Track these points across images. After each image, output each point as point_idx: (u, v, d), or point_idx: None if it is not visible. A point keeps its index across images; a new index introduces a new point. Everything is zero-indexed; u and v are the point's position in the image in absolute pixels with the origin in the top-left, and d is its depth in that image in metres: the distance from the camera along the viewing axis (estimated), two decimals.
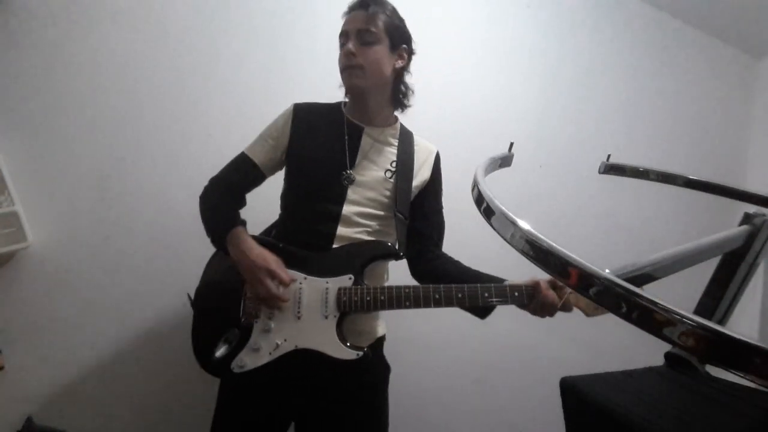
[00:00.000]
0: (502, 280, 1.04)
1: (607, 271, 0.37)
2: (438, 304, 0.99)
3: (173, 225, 1.47)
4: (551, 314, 1.00)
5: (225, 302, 1.04)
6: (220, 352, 0.99)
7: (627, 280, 0.36)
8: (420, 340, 1.63)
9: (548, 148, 2.01)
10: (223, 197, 1.11)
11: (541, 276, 0.99)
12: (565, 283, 0.39)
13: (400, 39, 1.12)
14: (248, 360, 0.98)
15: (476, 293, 0.99)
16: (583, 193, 2.05)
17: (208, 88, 1.55)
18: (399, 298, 1.00)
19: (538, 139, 1.98)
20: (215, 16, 1.57)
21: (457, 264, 1.16)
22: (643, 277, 0.48)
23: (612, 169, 1.16)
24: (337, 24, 1.70)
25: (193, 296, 1.10)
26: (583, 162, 1.76)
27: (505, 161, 0.91)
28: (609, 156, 1.17)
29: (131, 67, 1.47)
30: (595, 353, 1.74)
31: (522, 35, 2.03)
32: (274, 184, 1.17)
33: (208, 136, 1.53)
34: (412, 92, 1.18)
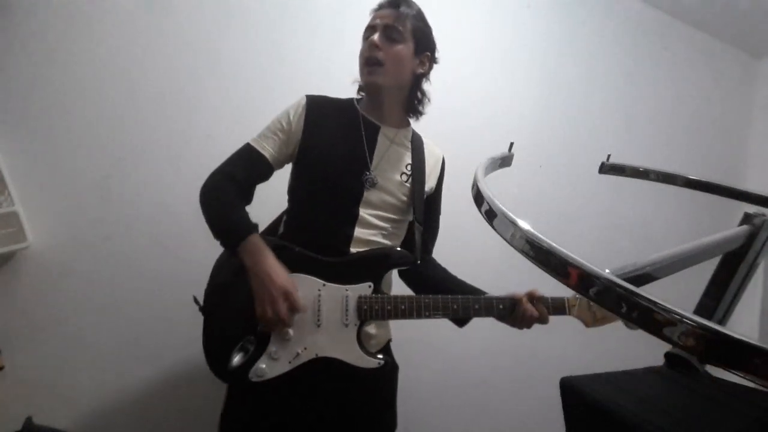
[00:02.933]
0: (481, 291, 1.10)
1: (607, 271, 0.37)
2: (455, 313, 1.03)
3: (173, 225, 1.47)
4: (528, 326, 1.08)
5: (240, 308, 0.97)
6: (237, 360, 0.94)
7: (627, 280, 0.36)
8: (420, 341, 1.63)
9: (548, 148, 2.01)
10: (230, 195, 1.02)
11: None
12: (565, 283, 0.39)
13: (425, 45, 1.11)
14: (267, 369, 0.94)
15: (491, 305, 1.05)
16: (583, 193, 2.05)
17: (208, 88, 1.55)
18: (419, 308, 1.00)
19: (538, 139, 1.98)
20: (215, 16, 1.57)
21: (443, 271, 1.20)
22: (643, 277, 0.48)
23: (612, 169, 1.16)
24: (337, 24, 1.71)
25: (201, 300, 1.04)
26: (583, 162, 1.76)
27: (505, 161, 0.91)
28: (609, 156, 1.17)
29: (131, 67, 1.47)
30: (595, 353, 1.74)
31: (522, 35, 2.03)
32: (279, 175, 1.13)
33: (208, 136, 1.53)
34: (429, 101, 1.17)
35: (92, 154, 1.42)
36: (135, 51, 1.47)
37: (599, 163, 1.18)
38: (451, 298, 1.02)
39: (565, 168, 2.03)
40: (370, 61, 1.06)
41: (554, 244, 0.40)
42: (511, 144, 1.03)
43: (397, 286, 1.16)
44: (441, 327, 1.70)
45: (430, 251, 1.22)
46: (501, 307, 1.05)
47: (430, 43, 1.13)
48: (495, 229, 0.49)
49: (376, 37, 1.05)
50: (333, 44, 1.69)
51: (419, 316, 1.00)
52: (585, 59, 2.14)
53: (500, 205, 0.49)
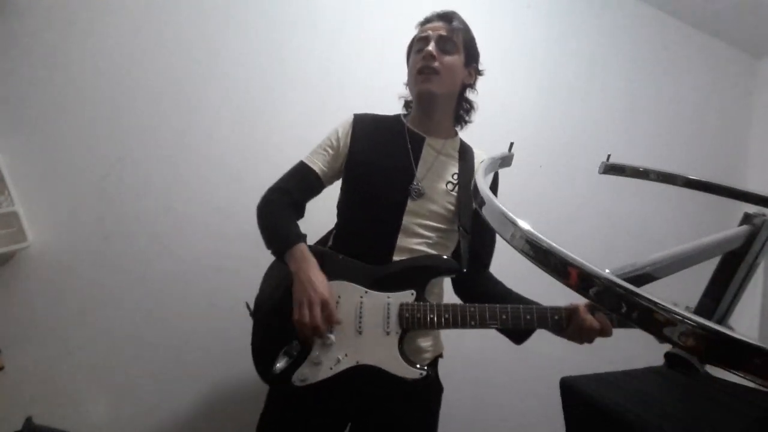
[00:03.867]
0: (536, 303, 1.02)
1: (607, 271, 0.37)
2: (504, 323, 0.97)
3: (173, 225, 1.47)
4: (590, 340, 0.99)
5: (285, 314, 0.98)
6: (281, 364, 0.96)
7: (627, 280, 0.36)
8: None
9: (548, 148, 2.01)
10: (282, 207, 1.07)
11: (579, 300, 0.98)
12: (565, 283, 0.39)
13: (473, 56, 1.16)
14: (309, 373, 0.96)
15: (545, 315, 0.98)
16: (583, 193, 2.05)
17: (208, 88, 1.55)
18: (464, 317, 0.97)
19: (538, 139, 1.98)
20: (215, 16, 1.57)
21: (502, 286, 1.14)
22: (643, 277, 0.48)
23: (612, 169, 1.16)
24: (337, 24, 1.71)
25: (252, 306, 1.07)
26: (583, 162, 1.76)
27: (505, 161, 0.90)
28: (609, 156, 1.17)
29: (131, 67, 1.47)
30: (595, 353, 1.74)
31: (522, 35, 2.03)
32: (330, 191, 1.17)
33: (208, 136, 1.53)
34: (475, 110, 1.21)
35: (92, 154, 1.42)
36: (135, 51, 1.47)
37: (599, 163, 1.18)
38: (499, 308, 0.97)
39: (565, 168, 2.03)
40: (426, 70, 1.07)
41: (554, 244, 0.40)
42: (511, 144, 1.03)
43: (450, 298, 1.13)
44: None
45: (486, 265, 1.18)
46: (556, 317, 0.97)
47: (477, 54, 1.18)
48: (495, 229, 0.49)
49: (431, 47, 1.07)
50: (333, 44, 1.69)
51: (464, 325, 0.97)
52: (585, 59, 2.14)
53: (500, 205, 0.49)
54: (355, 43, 1.74)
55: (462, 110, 1.19)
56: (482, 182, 0.58)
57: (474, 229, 1.10)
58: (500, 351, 1.82)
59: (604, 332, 0.98)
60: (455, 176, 1.12)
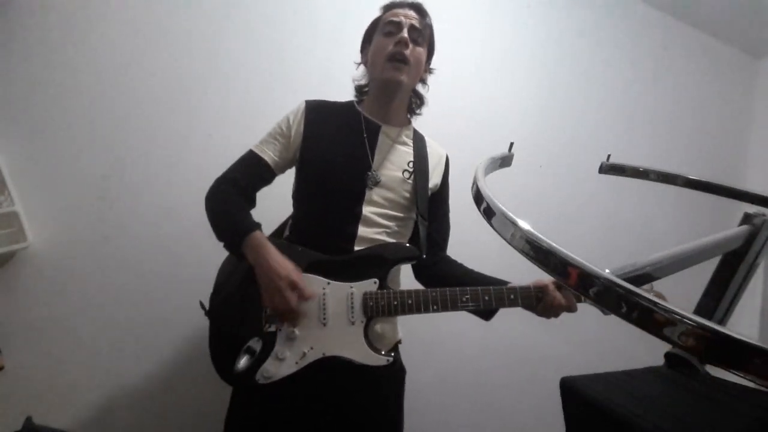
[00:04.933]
0: (504, 282, 1.05)
1: (607, 271, 0.37)
2: (465, 306, 0.99)
3: (173, 225, 1.47)
4: (556, 315, 1.03)
5: (245, 310, 0.98)
6: (243, 362, 0.94)
7: (627, 280, 0.36)
8: (419, 341, 1.63)
9: (548, 148, 2.01)
10: (233, 198, 1.04)
11: (543, 277, 1.00)
12: (565, 283, 0.39)
13: (431, 53, 1.18)
14: (274, 370, 0.94)
15: (502, 296, 1.00)
16: (583, 193, 2.05)
17: (208, 88, 1.55)
18: (426, 302, 0.98)
19: (538, 139, 1.98)
20: (215, 16, 1.57)
21: (461, 266, 1.17)
22: (643, 277, 0.48)
23: (612, 169, 1.16)
24: (337, 24, 1.71)
25: (207, 303, 1.05)
26: (583, 162, 1.76)
27: (505, 161, 0.91)
28: (609, 156, 1.17)
29: (131, 67, 1.47)
30: (595, 353, 1.74)
31: (522, 35, 2.03)
32: (283, 180, 1.15)
33: (208, 136, 1.53)
34: (425, 104, 1.23)
35: (92, 154, 1.42)
36: (135, 51, 1.47)
37: (599, 163, 1.18)
38: (459, 290, 0.99)
39: (565, 168, 2.03)
40: (397, 57, 1.06)
41: (554, 244, 0.40)
42: (511, 144, 1.03)
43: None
44: (441, 326, 1.71)
45: (443, 248, 1.20)
46: (512, 297, 1.00)
47: (434, 52, 1.20)
48: (495, 229, 0.49)
49: (405, 34, 1.07)
50: (333, 44, 1.69)
51: (427, 310, 0.98)
52: (585, 59, 2.14)
53: (500, 205, 0.49)
54: (355, 43, 1.74)
55: (414, 103, 1.20)
56: (483, 182, 0.58)
57: (430, 214, 1.12)
58: (500, 351, 1.83)
59: (570, 308, 1.02)
60: (410, 164, 1.12)
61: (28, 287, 1.33)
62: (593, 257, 0.36)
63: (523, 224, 0.44)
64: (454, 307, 0.99)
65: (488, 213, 0.51)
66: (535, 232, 0.43)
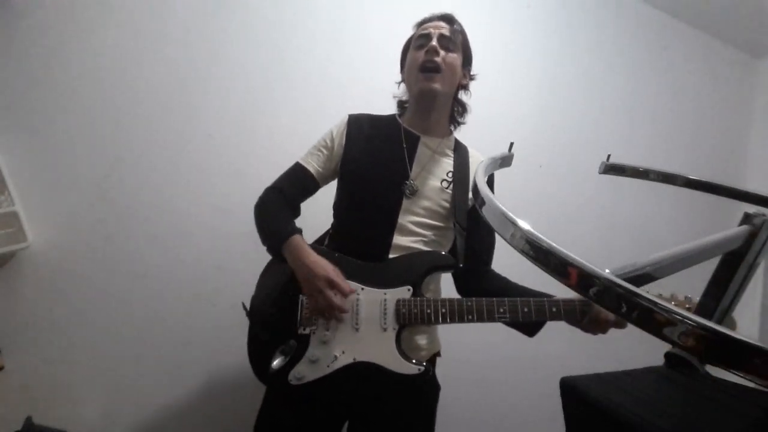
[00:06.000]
0: (549, 296, 1.02)
1: (607, 271, 0.37)
2: (503, 318, 0.97)
3: (173, 225, 1.47)
4: (604, 331, 0.99)
5: (281, 312, 1.01)
6: (277, 363, 0.96)
7: (627, 280, 0.36)
8: None
9: (548, 148, 2.01)
10: (278, 206, 1.08)
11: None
12: (566, 283, 0.39)
13: (468, 58, 1.19)
14: (306, 371, 0.95)
15: (543, 308, 0.97)
16: (583, 193, 2.05)
17: (208, 88, 1.55)
18: (461, 312, 0.97)
19: (538, 139, 1.98)
20: (215, 16, 1.57)
21: (507, 281, 1.14)
22: (643, 277, 0.48)
23: (612, 169, 1.16)
24: (337, 24, 1.71)
25: (248, 306, 1.07)
26: (583, 162, 1.76)
27: (505, 161, 0.91)
28: (609, 156, 1.17)
29: (131, 67, 1.47)
30: (595, 353, 1.74)
31: (522, 35, 2.03)
32: (327, 192, 1.18)
33: (208, 136, 1.53)
34: (468, 112, 1.23)
35: (92, 154, 1.42)
36: (135, 51, 1.47)
37: (599, 163, 1.18)
38: (496, 301, 0.97)
39: (565, 168, 2.03)
40: (428, 67, 1.07)
41: (554, 244, 0.40)
42: (511, 144, 1.03)
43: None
44: (441, 327, 1.70)
45: (487, 263, 1.17)
46: (554, 309, 0.96)
47: (472, 58, 1.20)
48: (495, 229, 0.49)
49: (434, 42, 1.08)
50: (333, 44, 1.69)
51: (462, 320, 0.96)
52: (585, 59, 2.14)
53: (500, 205, 0.49)
54: (355, 43, 1.74)
55: (455, 112, 1.21)
56: (482, 182, 0.58)
57: (471, 227, 1.09)
58: (500, 351, 1.83)
59: (619, 324, 0.97)
60: (450, 174, 1.12)
61: (28, 287, 1.33)
62: (593, 257, 0.36)
63: (523, 224, 0.44)
64: (491, 318, 0.97)
65: (488, 213, 0.51)
66: (535, 232, 0.42)
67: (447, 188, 1.10)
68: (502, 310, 0.97)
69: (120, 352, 1.41)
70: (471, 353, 1.78)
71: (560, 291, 0.97)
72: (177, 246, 1.46)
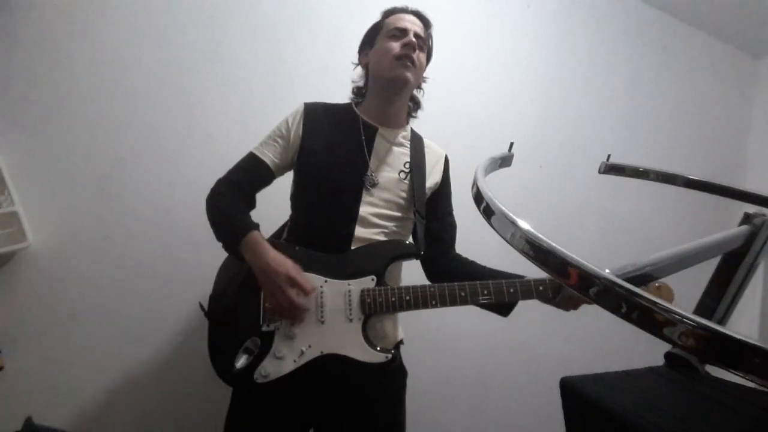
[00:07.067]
0: (521, 277, 1.04)
1: (607, 271, 0.37)
2: (464, 301, 0.99)
3: (173, 225, 1.47)
4: (576, 307, 1.02)
5: (242, 310, 0.99)
6: (241, 362, 0.94)
7: (627, 280, 0.36)
8: (419, 340, 1.64)
9: (548, 148, 2.01)
10: (232, 199, 1.05)
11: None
12: (565, 283, 0.39)
13: (428, 62, 1.23)
14: (272, 369, 0.94)
15: (501, 289, 0.99)
16: (583, 193, 2.05)
17: (208, 88, 1.55)
18: (425, 298, 0.98)
19: (538, 139, 1.98)
20: (215, 15, 1.57)
21: (473, 264, 1.16)
22: (643, 277, 0.48)
23: (612, 169, 1.16)
24: (337, 24, 1.71)
25: (206, 305, 1.05)
26: (583, 162, 1.76)
27: (505, 161, 0.90)
28: (609, 156, 1.17)
29: (131, 67, 1.47)
30: (595, 353, 1.74)
31: (522, 35, 2.03)
32: (282, 183, 1.16)
33: (208, 136, 1.53)
34: (421, 108, 1.26)
35: (92, 154, 1.42)
36: (135, 51, 1.47)
37: (599, 163, 1.18)
38: (458, 286, 0.99)
39: (565, 168, 2.03)
40: (407, 58, 1.09)
41: (554, 244, 0.40)
42: (511, 144, 1.03)
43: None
44: (441, 326, 1.71)
45: (451, 246, 1.20)
46: (541, 288, 0.99)
47: (430, 62, 1.24)
48: (495, 229, 0.49)
49: (414, 38, 1.11)
50: (333, 44, 1.69)
51: (426, 305, 0.98)
52: (585, 59, 2.14)
53: (500, 205, 0.49)
54: (355, 43, 1.74)
55: (410, 107, 1.23)
56: (483, 182, 0.58)
57: (431, 213, 1.13)
58: (500, 351, 1.83)
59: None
60: (407, 165, 1.13)
61: (28, 287, 1.33)
62: (593, 257, 0.36)
63: (523, 224, 0.44)
64: (454, 302, 0.98)
65: (488, 213, 0.51)
66: (535, 232, 0.42)
67: (404, 179, 1.12)
68: (462, 294, 0.98)
69: (120, 352, 1.41)
70: (471, 354, 1.78)
71: (534, 272, 0.97)
72: (177, 245, 1.46)
